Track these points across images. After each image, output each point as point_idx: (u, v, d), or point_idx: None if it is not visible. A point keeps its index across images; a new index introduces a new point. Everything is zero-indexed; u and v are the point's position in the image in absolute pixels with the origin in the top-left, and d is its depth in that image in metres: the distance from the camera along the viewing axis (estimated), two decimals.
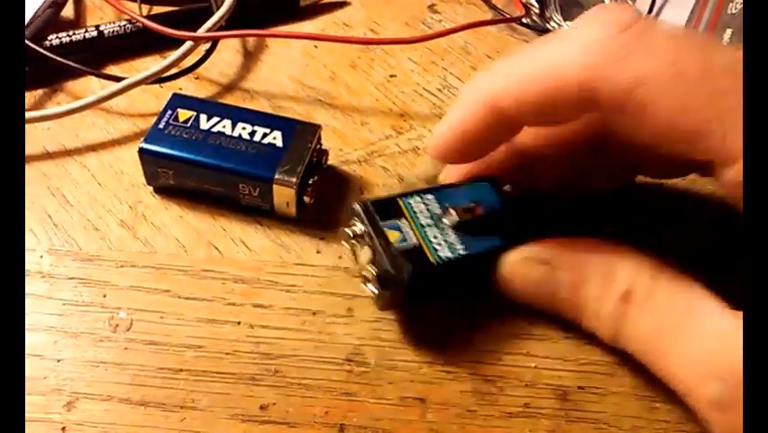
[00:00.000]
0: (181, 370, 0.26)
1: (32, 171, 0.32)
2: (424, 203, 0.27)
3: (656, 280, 0.24)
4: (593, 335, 0.25)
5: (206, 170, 0.29)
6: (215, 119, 0.30)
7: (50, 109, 0.32)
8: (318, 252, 0.30)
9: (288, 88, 0.36)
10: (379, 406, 0.26)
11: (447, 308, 0.28)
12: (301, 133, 0.30)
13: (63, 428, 0.25)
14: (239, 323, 0.27)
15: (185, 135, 0.29)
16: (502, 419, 0.25)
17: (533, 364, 0.27)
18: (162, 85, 0.35)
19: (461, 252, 0.26)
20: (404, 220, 0.26)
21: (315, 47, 0.38)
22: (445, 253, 0.26)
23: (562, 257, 0.25)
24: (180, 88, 0.35)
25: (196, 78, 0.36)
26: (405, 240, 0.26)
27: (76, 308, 0.28)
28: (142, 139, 0.29)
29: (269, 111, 0.35)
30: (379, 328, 0.27)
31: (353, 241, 0.27)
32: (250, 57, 0.38)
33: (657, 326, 0.23)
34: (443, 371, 0.26)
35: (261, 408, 0.25)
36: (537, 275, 0.26)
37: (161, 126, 0.30)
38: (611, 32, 0.22)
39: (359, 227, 0.26)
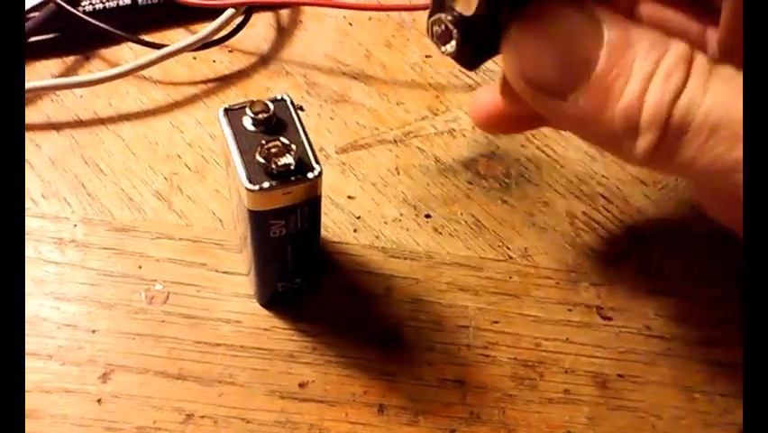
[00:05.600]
0: (218, 344, 0.26)
1: (64, 139, 0.31)
2: None
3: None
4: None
5: None
6: None
7: (84, 76, 0.32)
8: (355, 230, 0.29)
9: (323, 65, 0.35)
10: (419, 387, 0.25)
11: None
12: None
13: (99, 400, 0.25)
14: None
15: None
16: (542, 405, 0.25)
17: (572, 351, 0.26)
18: (195, 56, 0.35)
19: None
20: None
21: (351, 24, 0.37)
22: None
23: (608, 13, 0.19)
24: (214, 61, 0.35)
25: (230, 52, 0.35)
26: None
27: (110, 279, 0.27)
28: None
29: (304, 87, 0.34)
30: (416, 309, 0.27)
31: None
32: (284, 32, 0.37)
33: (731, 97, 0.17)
34: (481, 354, 0.26)
35: (300, 385, 0.25)
36: (576, 22, 0.19)
37: None
38: None
39: None
